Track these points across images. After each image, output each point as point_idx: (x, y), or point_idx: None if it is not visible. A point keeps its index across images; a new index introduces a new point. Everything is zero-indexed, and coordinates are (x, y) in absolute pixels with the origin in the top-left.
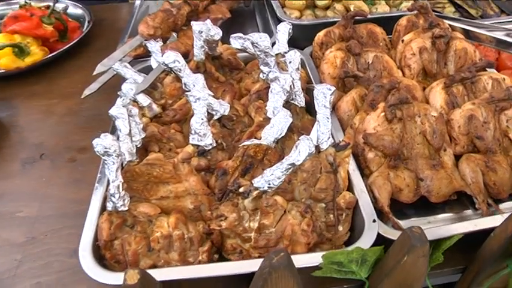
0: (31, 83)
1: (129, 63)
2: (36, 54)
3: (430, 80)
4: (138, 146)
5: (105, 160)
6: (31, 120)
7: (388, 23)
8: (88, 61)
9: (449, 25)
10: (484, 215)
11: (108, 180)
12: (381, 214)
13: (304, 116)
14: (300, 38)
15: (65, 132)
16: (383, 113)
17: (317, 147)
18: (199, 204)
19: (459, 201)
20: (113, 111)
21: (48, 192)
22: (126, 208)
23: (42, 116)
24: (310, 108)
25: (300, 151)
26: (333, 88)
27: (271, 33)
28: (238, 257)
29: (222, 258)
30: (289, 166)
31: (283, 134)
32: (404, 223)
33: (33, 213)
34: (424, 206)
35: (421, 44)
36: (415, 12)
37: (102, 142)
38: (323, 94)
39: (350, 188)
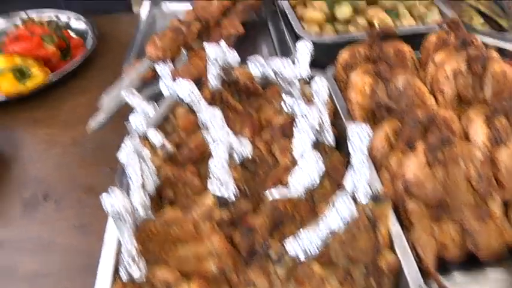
0: (33, 109)
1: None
2: (38, 76)
3: (464, 106)
4: (152, 194)
5: (117, 225)
6: (33, 151)
7: (413, 37)
8: (92, 81)
9: (482, 42)
10: None
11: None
12: (422, 271)
13: (332, 154)
14: (321, 56)
15: (69, 166)
16: (423, 155)
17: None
18: (224, 267)
19: None
20: (122, 157)
21: (51, 241)
22: (144, 279)
23: (45, 146)
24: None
25: (341, 214)
26: (372, 133)
27: (288, 49)
28: None
29: None
30: (330, 234)
31: (315, 185)
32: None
33: (33, 269)
34: (470, 260)
35: (455, 67)
36: (445, 27)
37: (112, 201)
38: (358, 136)
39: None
